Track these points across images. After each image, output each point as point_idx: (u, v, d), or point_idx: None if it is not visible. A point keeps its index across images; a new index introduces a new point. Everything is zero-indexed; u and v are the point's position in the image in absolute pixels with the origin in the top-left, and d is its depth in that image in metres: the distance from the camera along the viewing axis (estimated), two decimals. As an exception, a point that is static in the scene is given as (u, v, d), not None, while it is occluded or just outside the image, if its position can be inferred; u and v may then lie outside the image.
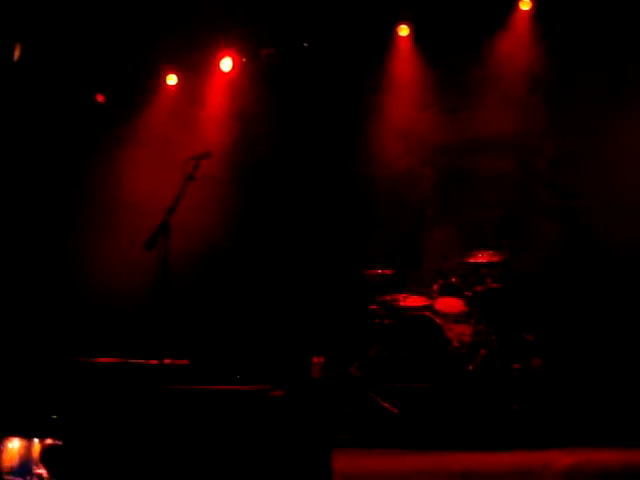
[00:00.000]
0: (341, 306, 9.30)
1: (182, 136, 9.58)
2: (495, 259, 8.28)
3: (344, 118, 9.80)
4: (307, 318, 9.19)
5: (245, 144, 9.93)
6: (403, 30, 9.59)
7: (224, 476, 4.66)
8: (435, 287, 8.45)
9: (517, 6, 9.10)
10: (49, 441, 5.01)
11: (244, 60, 10.13)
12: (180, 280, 7.24)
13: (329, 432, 4.98)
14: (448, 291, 8.38)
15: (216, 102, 10.20)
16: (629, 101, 8.36)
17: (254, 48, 10.01)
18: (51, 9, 9.00)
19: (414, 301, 8.47)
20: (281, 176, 9.94)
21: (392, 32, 9.64)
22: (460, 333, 8.06)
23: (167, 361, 7.16)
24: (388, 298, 8.58)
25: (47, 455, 4.99)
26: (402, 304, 8.46)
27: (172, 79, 10.31)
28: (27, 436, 5.08)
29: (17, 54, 9.09)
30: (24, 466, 5.06)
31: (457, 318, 8.22)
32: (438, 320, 8.01)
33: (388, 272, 8.72)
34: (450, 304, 8.28)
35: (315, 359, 8.25)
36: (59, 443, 4.96)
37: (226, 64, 10.08)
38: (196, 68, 10.20)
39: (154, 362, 6.62)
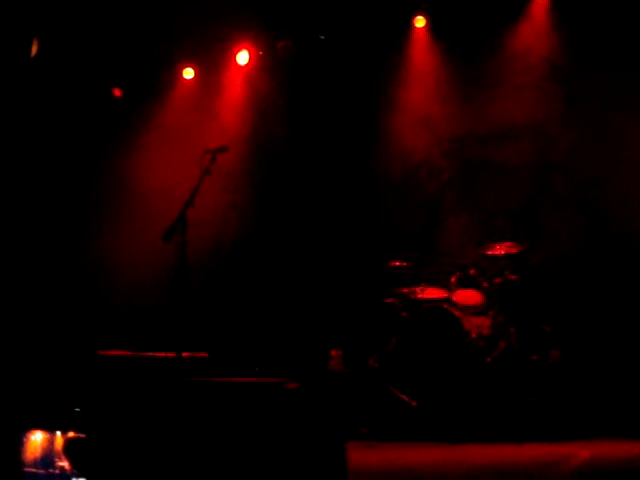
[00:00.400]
0: (359, 299, 9.29)
1: (199, 130, 9.60)
2: (513, 251, 8.24)
3: (360, 110, 9.78)
4: (325, 311, 9.20)
5: (262, 137, 9.93)
6: (419, 21, 9.55)
7: (241, 468, 4.68)
8: (453, 279, 8.43)
9: (534, -6, 9.05)
10: (71, 434, 5.05)
11: (260, 53, 10.13)
12: (198, 272, 7.26)
13: (345, 425, 4.99)
14: (466, 283, 8.35)
15: (233, 95, 10.21)
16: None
17: (270, 41, 10.01)
18: (68, 4, 9.04)
19: (432, 293, 8.45)
20: (298, 169, 9.94)
21: (409, 23, 9.60)
22: (478, 325, 8.03)
23: (185, 354, 7.21)
24: (406, 290, 8.57)
25: (70, 448, 5.03)
26: (420, 296, 8.44)
27: (189, 73, 10.32)
28: (49, 429, 5.12)
29: (35, 49, 9.14)
30: (47, 459, 5.11)
31: (475, 310, 8.20)
32: (456, 312, 7.99)
33: (406, 264, 8.70)
34: (468, 296, 8.26)
35: (333, 352, 8.27)
36: (82, 436, 5.00)
37: (242, 57, 10.08)
38: (213, 62, 10.21)
39: (172, 355, 6.67)
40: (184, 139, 9.58)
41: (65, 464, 5.06)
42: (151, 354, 7.66)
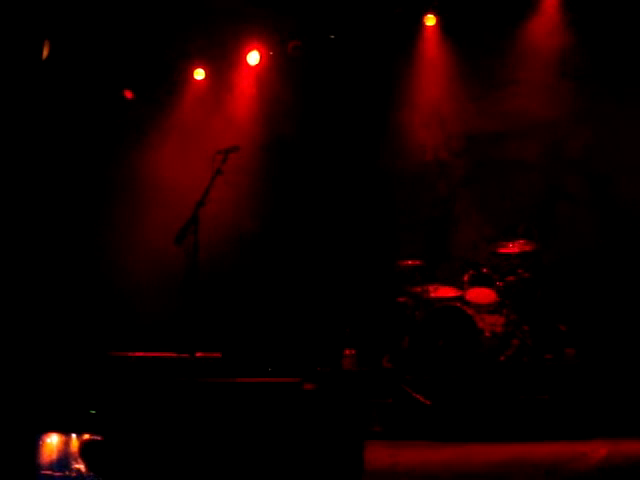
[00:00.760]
0: (371, 298, 9.28)
1: (211, 130, 9.62)
2: (527, 249, 8.20)
3: (371, 109, 9.77)
4: (338, 310, 9.20)
5: (273, 137, 9.93)
6: (430, 20, 9.52)
7: (256, 468, 4.68)
8: (466, 278, 8.38)
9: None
10: (87, 436, 5.06)
11: (271, 53, 10.13)
12: (211, 272, 7.27)
13: (361, 425, 4.98)
14: (479, 281, 8.31)
15: (243, 95, 10.21)
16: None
17: (281, 41, 10.00)
18: (78, 7, 9.07)
19: (445, 292, 8.42)
20: (310, 169, 9.94)
21: (419, 22, 9.58)
22: (492, 324, 8.00)
23: (199, 354, 7.20)
24: (418, 289, 8.54)
25: (85, 450, 5.04)
26: (433, 295, 8.41)
27: (200, 74, 10.33)
28: (65, 431, 5.13)
29: (46, 51, 9.17)
30: (63, 461, 5.12)
31: (489, 308, 8.17)
32: (469, 311, 7.96)
33: (418, 263, 8.67)
34: (481, 294, 8.22)
35: (347, 351, 8.26)
36: (97, 438, 5.01)
37: (253, 58, 10.08)
38: (223, 62, 10.22)
39: (186, 355, 6.67)
40: (196, 139, 9.60)
41: (81, 466, 5.07)
42: (165, 355, 7.66)
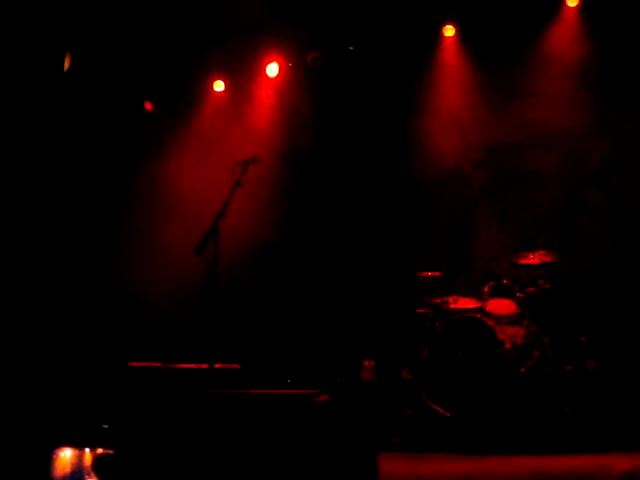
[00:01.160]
0: (391, 309, 9.26)
1: (229, 142, 9.65)
2: (547, 260, 8.16)
3: (391, 119, 9.78)
4: (358, 322, 9.18)
5: (292, 148, 9.96)
6: (449, 30, 9.52)
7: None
8: (486, 289, 8.34)
9: (564, 3, 8.98)
10: (100, 450, 5.07)
11: (290, 65, 10.16)
12: (230, 283, 7.27)
13: (376, 437, 4.96)
14: (499, 293, 8.27)
15: (263, 107, 10.25)
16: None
17: (300, 53, 10.04)
18: (100, 20, 9.16)
19: (465, 303, 8.38)
20: (329, 180, 9.95)
21: (438, 33, 9.58)
22: (512, 335, 7.94)
23: (218, 365, 7.21)
24: (438, 301, 8.51)
25: (99, 464, 5.04)
26: (452, 306, 8.38)
27: (219, 85, 10.39)
28: (79, 446, 5.14)
29: (67, 64, 9.26)
30: (76, 475, 5.12)
31: (509, 320, 8.11)
32: (489, 322, 7.91)
33: (438, 274, 8.65)
34: (501, 306, 8.17)
35: (366, 363, 8.23)
36: (110, 452, 5.01)
37: (272, 69, 10.13)
38: (242, 74, 10.27)
39: (205, 366, 6.67)
40: (215, 151, 9.64)
41: (94, 481, 5.08)
42: (183, 366, 7.67)
